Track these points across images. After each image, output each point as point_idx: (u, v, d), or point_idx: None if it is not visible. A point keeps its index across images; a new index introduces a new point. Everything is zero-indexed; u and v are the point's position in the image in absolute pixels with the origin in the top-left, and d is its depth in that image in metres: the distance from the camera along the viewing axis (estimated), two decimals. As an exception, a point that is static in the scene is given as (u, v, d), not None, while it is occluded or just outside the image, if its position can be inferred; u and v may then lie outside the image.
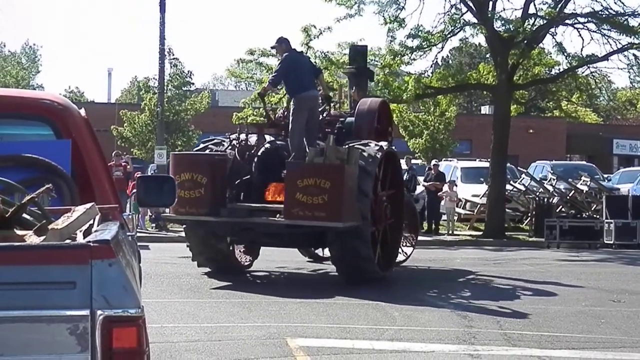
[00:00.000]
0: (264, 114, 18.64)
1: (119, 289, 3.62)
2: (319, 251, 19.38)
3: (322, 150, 15.35)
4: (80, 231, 4.25)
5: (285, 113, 17.26)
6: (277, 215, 15.47)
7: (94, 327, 3.57)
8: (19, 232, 4.30)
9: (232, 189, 16.02)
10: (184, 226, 17.02)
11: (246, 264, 17.69)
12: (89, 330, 3.57)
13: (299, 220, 15.09)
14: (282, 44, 16.73)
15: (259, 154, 16.54)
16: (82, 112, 5.91)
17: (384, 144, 16.52)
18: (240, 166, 16.25)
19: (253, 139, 16.85)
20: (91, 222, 4.39)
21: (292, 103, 16.66)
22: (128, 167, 26.83)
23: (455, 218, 28.78)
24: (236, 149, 16.48)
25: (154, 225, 27.11)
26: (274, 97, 25.60)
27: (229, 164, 16.09)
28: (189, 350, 10.02)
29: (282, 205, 15.39)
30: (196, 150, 17.52)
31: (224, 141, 16.95)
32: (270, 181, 16.22)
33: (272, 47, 17.37)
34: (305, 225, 15.22)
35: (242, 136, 16.76)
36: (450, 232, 27.67)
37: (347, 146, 15.54)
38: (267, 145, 16.75)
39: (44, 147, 5.50)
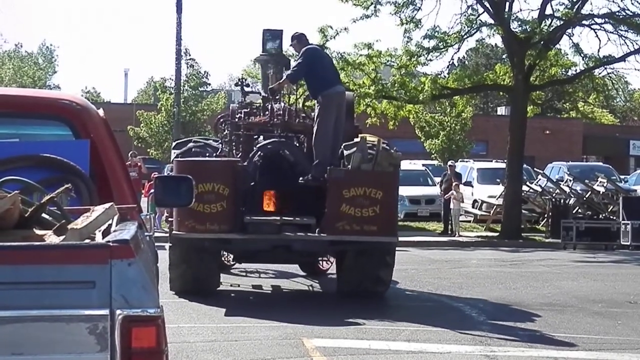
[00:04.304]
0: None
1: (138, 289, 3.63)
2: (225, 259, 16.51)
3: (369, 154, 13.52)
4: (99, 231, 4.27)
5: (284, 111, 14.91)
6: (317, 230, 13.60)
7: (114, 327, 3.58)
8: (39, 232, 4.33)
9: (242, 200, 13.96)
10: (170, 244, 14.23)
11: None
12: (108, 330, 3.58)
13: (345, 236, 13.37)
14: (301, 39, 14.79)
15: (256, 157, 14.41)
16: (101, 112, 5.93)
17: (382, 140, 14.76)
18: (246, 172, 14.08)
19: (248, 139, 14.87)
20: (110, 222, 4.41)
21: (317, 102, 14.43)
22: (142, 168, 26.91)
23: (460, 219, 28.46)
24: (233, 152, 14.61)
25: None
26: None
27: (245, 171, 14.03)
28: (206, 351, 10.04)
29: (300, 217, 13.78)
30: (180, 154, 14.97)
31: (208, 143, 15.29)
32: (276, 189, 14.22)
33: (291, 45, 15.36)
34: (354, 241, 13.53)
35: (234, 137, 14.86)
36: (457, 234, 27.22)
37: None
38: (268, 148, 14.55)
39: (62, 147, 5.52)
